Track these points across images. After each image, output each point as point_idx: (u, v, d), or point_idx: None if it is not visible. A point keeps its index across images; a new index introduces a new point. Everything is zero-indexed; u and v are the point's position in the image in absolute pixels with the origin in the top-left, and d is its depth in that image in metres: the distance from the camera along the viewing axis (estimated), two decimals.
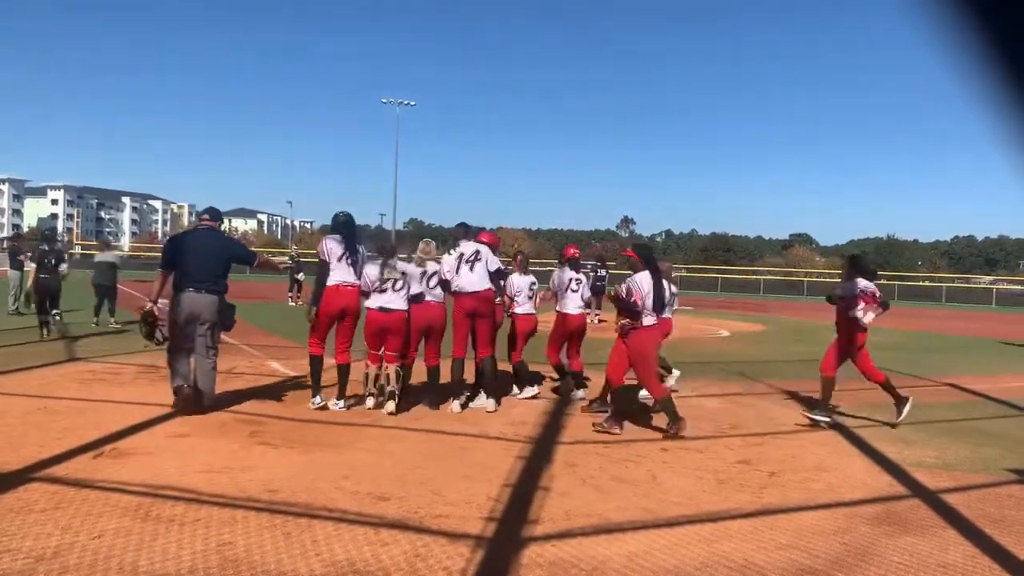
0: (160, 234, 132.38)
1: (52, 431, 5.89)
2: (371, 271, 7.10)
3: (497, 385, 7.56)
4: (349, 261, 7.10)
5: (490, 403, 7.38)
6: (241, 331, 11.31)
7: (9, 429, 5.89)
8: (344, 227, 7.25)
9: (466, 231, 7.55)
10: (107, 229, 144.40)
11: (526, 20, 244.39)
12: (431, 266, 7.31)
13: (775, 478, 5.34)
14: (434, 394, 7.31)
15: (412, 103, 60.98)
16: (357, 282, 7.10)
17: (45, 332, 12.43)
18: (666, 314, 7.57)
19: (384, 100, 60.07)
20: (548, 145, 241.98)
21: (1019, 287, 61.82)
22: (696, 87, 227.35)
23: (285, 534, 3.86)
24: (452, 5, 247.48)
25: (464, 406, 7.36)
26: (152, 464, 5.08)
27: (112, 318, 14.58)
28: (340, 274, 7.07)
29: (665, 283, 6.93)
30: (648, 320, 6.51)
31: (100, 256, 15.60)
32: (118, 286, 15.14)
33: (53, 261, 13.21)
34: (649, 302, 6.47)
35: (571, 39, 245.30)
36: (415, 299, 7.17)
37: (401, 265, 7.16)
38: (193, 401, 6.69)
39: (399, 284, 7.04)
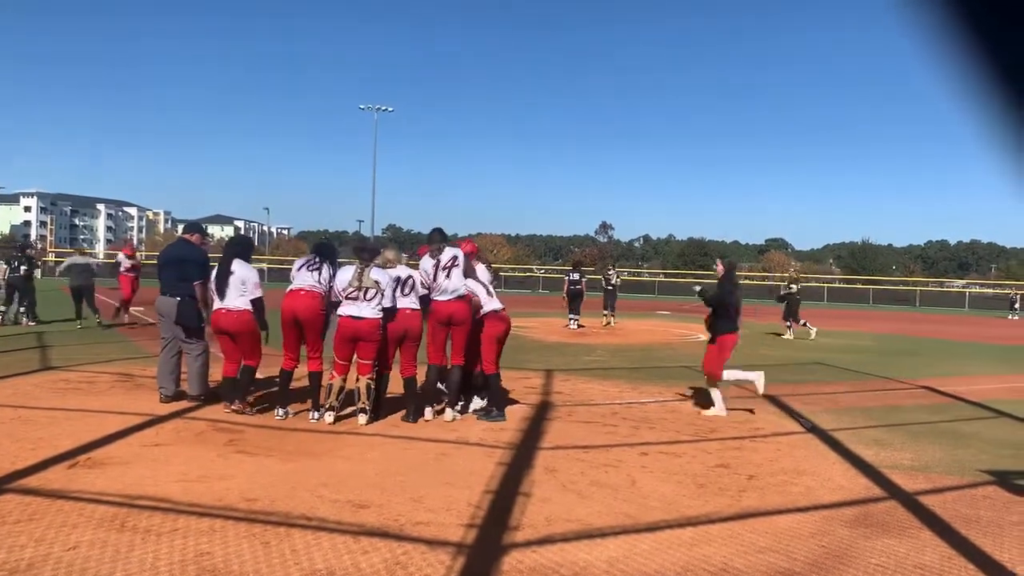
0: (135, 241, 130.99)
1: (25, 441, 5.81)
2: (343, 277, 6.91)
3: (458, 395, 7.43)
4: (310, 268, 7.11)
5: (449, 413, 7.25)
6: None
7: None
8: (319, 249, 7.38)
9: (443, 237, 7.49)
10: (81, 236, 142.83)
11: (505, 27, 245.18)
12: (401, 270, 7.18)
13: (754, 481, 5.37)
14: (411, 403, 7.25)
15: (390, 109, 60.81)
16: (315, 287, 7.01)
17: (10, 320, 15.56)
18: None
19: (362, 106, 59.86)
20: (527, 151, 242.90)
21: (991, 291, 62.70)
22: (674, 93, 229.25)
23: (264, 543, 3.83)
24: (430, 12, 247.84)
25: (462, 413, 7.38)
26: (128, 474, 5.02)
27: (97, 317, 15.62)
28: (298, 280, 7.09)
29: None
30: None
31: (71, 260, 16.32)
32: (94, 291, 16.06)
33: (17, 263, 15.76)
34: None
35: (550, 46, 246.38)
36: (388, 309, 6.98)
37: (376, 273, 6.90)
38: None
39: (371, 294, 6.80)
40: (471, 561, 3.74)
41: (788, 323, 18.74)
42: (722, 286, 8.19)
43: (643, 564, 3.73)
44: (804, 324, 18.78)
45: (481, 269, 7.78)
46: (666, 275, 68.82)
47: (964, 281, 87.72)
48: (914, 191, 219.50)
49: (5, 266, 16.23)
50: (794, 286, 18.85)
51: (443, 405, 7.39)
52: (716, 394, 8.07)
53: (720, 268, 8.43)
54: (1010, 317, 37.17)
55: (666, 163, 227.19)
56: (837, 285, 69.37)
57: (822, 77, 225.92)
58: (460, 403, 7.48)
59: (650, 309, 32.61)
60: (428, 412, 7.20)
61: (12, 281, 15.83)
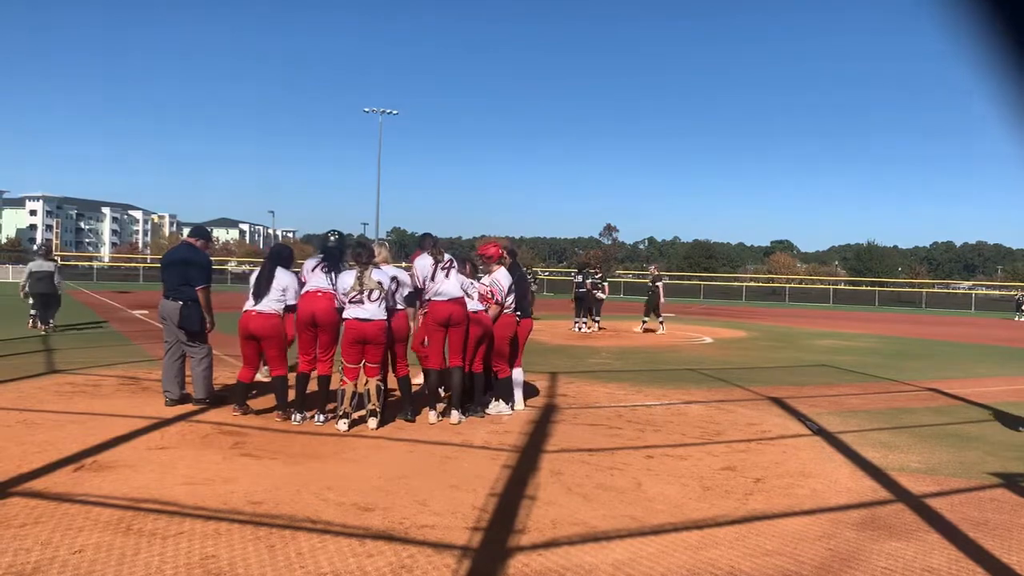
0: (140, 244, 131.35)
1: (31, 444, 5.82)
2: (345, 282, 6.90)
3: (461, 396, 7.39)
4: (324, 270, 7.08)
5: (454, 415, 7.20)
6: (222, 342, 11.23)
7: None
8: (327, 251, 7.29)
9: (434, 242, 7.54)
10: (87, 239, 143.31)
11: (510, 28, 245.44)
12: (391, 271, 7.21)
13: (760, 484, 5.35)
14: (408, 403, 7.23)
15: (395, 112, 60.84)
16: (331, 289, 6.98)
17: (30, 324, 15.55)
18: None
19: (367, 110, 59.92)
20: (531, 153, 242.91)
21: (998, 292, 62.52)
22: (680, 94, 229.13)
23: (269, 546, 3.82)
24: (435, 13, 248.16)
25: (472, 412, 7.40)
26: (133, 477, 5.03)
27: (42, 325, 15.40)
28: (313, 282, 7.07)
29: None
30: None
31: (36, 265, 15.89)
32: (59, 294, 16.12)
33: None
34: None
35: (555, 47, 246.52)
36: (392, 309, 7.03)
37: (377, 274, 6.91)
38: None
39: (375, 295, 6.81)
40: (477, 564, 3.73)
41: (658, 318, 19.97)
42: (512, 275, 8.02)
43: (649, 567, 3.72)
44: (661, 320, 19.97)
45: (503, 273, 7.79)
46: (671, 277, 68.79)
47: (970, 283, 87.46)
48: (920, 193, 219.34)
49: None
50: (659, 283, 20.15)
51: (445, 407, 7.39)
52: (515, 385, 7.99)
53: (505, 258, 8.27)
54: (1016, 319, 37.03)
55: (671, 165, 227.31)
56: (843, 287, 69.29)
57: (829, 78, 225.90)
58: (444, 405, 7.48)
59: None
60: (432, 415, 7.19)
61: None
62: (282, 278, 7.18)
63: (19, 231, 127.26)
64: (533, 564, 3.72)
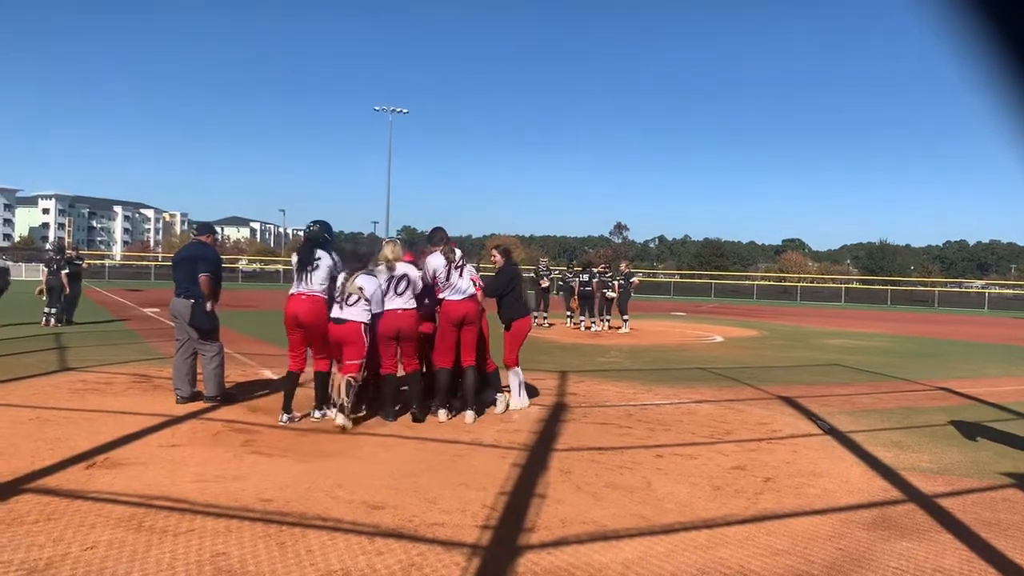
0: (152, 243, 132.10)
1: (44, 441, 5.86)
2: (339, 282, 6.88)
3: (475, 396, 7.39)
4: (308, 270, 6.99)
5: (468, 415, 7.18)
6: (233, 339, 11.28)
7: (0, 440, 5.85)
8: (306, 241, 7.17)
9: (446, 238, 7.49)
10: (99, 238, 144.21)
11: (520, 25, 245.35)
12: (401, 268, 7.14)
13: (770, 484, 5.34)
14: (415, 400, 7.21)
15: (405, 111, 60.71)
16: (310, 291, 6.92)
17: (43, 322, 15.90)
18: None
19: (377, 108, 59.81)
20: (541, 152, 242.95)
21: (1011, 291, 62.09)
22: (688, 92, 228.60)
23: (279, 544, 3.84)
24: (444, 10, 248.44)
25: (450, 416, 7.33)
26: (145, 474, 5.06)
27: None
28: (297, 284, 7.01)
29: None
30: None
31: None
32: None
33: (56, 266, 16.33)
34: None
35: (564, 45, 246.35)
36: (376, 315, 6.94)
37: (362, 279, 6.83)
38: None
39: (352, 299, 6.75)
40: (486, 563, 3.74)
41: (605, 316, 20.00)
42: (501, 275, 8.00)
43: (659, 567, 3.71)
44: (606, 319, 19.90)
45: (470, 267, 7.74)
46: (682, 276, 68.60)
47: (983, 282, 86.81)
48: (932, 191, 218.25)
49: (45, 268, 16.79)
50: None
51: (452, 406, 7.38)
52: (515, 383, 7.91)
53: (498, 258, 8.17)
54: None
55: (682, 163, 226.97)
56: (855, 286, 68.94)
57: (838, 76, 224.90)
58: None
59: (665, 310, 32.50)
60: (442, 414, 7.19)
61: (51, 283, 16.26)
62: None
63: (32, 229, 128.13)
64: (543, 563, 3.72)
